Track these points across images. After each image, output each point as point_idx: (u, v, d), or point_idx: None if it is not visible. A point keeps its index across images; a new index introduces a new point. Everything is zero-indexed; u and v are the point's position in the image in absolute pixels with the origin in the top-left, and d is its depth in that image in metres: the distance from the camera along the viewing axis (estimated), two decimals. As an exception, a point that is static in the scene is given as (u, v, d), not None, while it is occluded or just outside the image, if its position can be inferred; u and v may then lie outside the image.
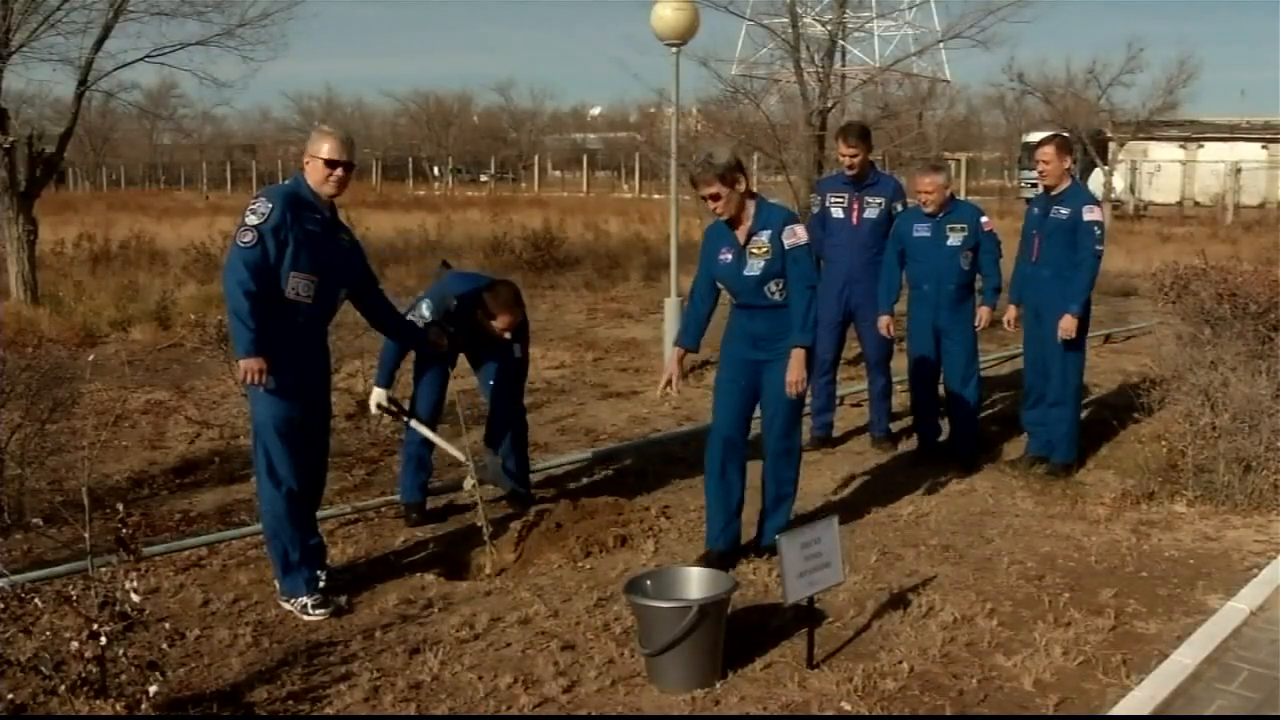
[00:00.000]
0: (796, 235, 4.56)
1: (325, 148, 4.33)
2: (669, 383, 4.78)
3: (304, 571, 4.38)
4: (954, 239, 6.28)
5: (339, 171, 4.35)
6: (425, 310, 5.35)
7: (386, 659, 3.96)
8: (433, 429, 5.39)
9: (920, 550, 5.07)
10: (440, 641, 4.08)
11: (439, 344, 5.03)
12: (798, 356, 4.59)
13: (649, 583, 3.92)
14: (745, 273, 4.65)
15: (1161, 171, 34.74)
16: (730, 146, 4.60)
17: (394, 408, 5.38)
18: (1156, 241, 21.54)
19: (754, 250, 4.62)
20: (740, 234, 4.66)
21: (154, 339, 10.78)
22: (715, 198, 4.56)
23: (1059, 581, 4.71)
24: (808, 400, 4.95)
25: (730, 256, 4.69)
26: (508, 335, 5.37)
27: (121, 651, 3.35)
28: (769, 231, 4.59)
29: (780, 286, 4.65)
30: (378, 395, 5.35)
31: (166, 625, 3.98)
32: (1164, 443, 5.86)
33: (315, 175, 4.34)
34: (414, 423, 5.34)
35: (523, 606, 4.40)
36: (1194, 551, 5.07)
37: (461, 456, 5.25)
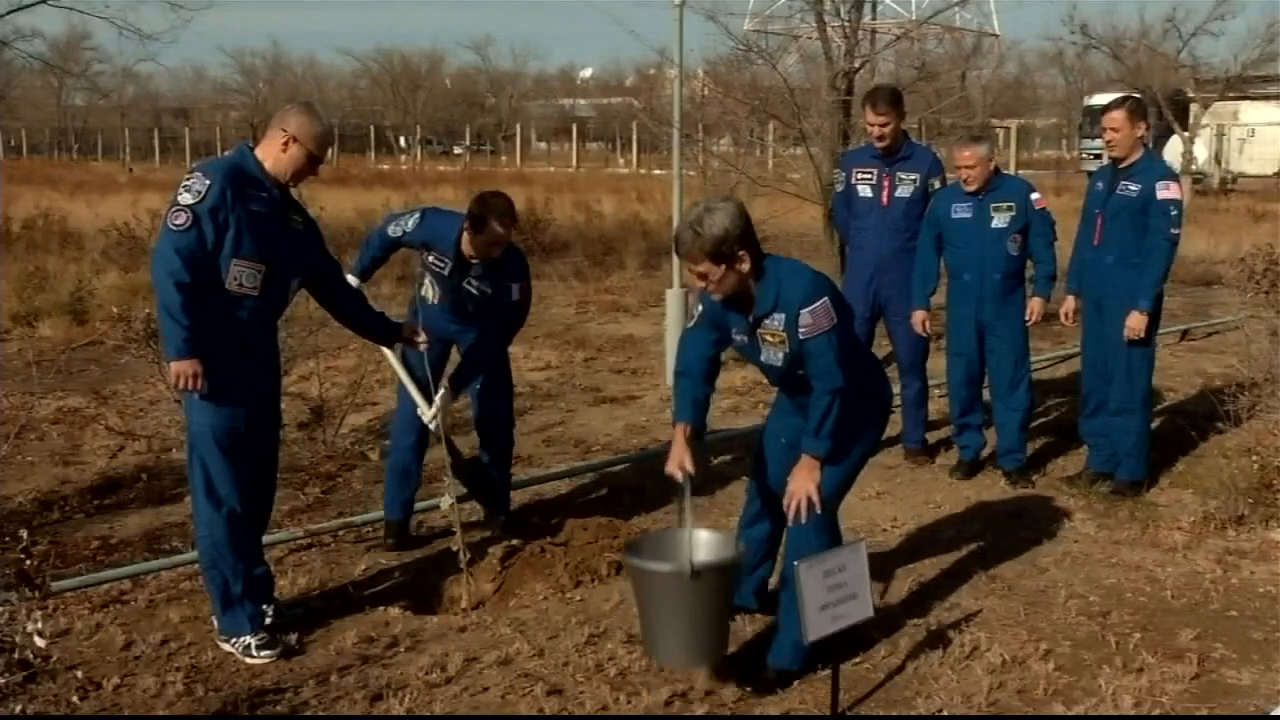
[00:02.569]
0: (815, 321, 3.90)
1: (318, 137, 4.38)
2: (680, 466, 4.04)
3: (247, 606, 4.39)
4: (1000, 220, 6.31)
5: (316, 168, 4.44)
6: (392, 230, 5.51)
7: (344, 707, 3.98)
8: (430, 403, 5.42)
9: (962, 580, 5.09)
10: (406, 686, 4.09)
11: (413, 341, 5.05)
12: (805, 466, 4.06)
13: (646, 545, 4.08)
14: (764, 361, 4.14)
15: (1255, 137, 34.14)
16: (734, 210, 3.88)
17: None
18: (1247, 220, 21.54)
19: (767, 338, 4.06)
20: (749, 315, 4.07)
21: (67, 336, 10.77)
22: (704, 277, 3.96)
23: (1128, 619, 4.72)
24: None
25: (743, 338, 4.16)
26: (496, 251, 5.35)
27: (20, 708, 3.33)
28: (783, 316, 3.96)
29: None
30: (352, 281, 5.36)
31: (78, 674, 3.99)
32: (1255, 457, 5.86)
33: (286, 159, 4.36)
34: (384, 349, 5.46)
35: (502, 644, 4.42)
36: (1290, 586, 5.09)
37: (422, 403, 5.34)
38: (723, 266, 3.88)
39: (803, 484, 4.03)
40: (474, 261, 5.36)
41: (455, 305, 5.49)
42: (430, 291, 5.53)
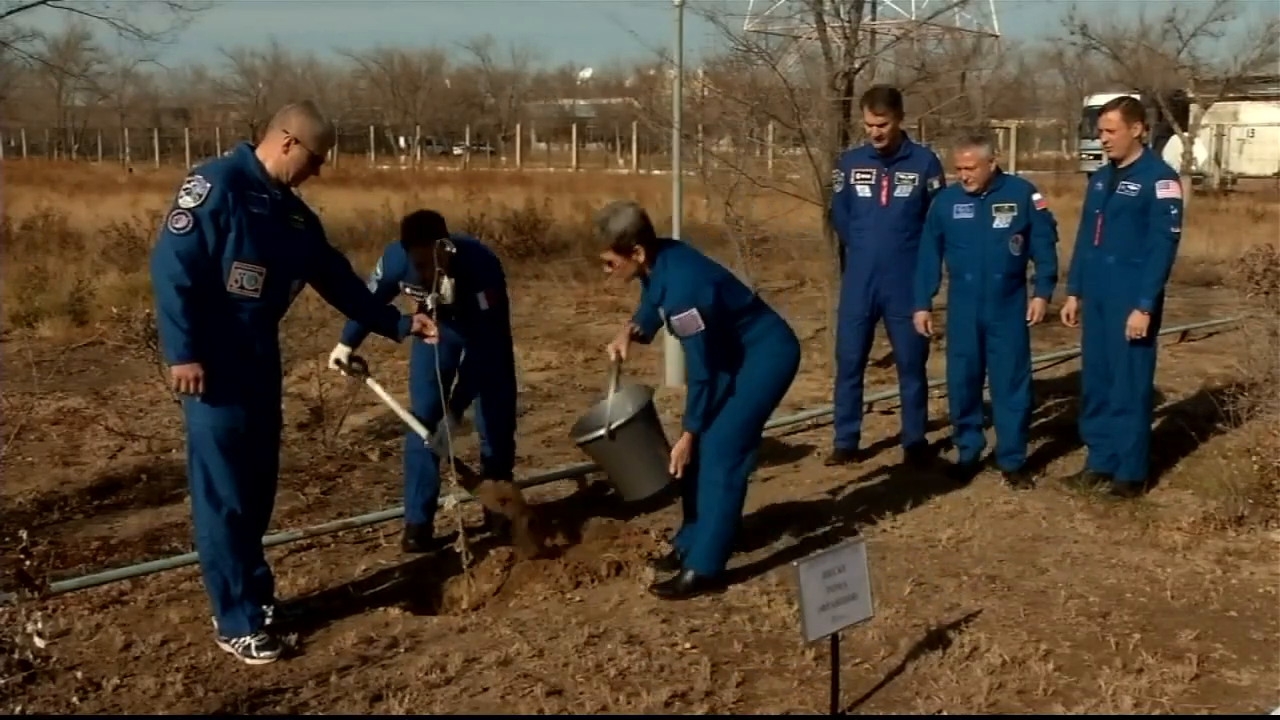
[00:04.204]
0: (683, 325, 4.79)
1: (319, 138, 4.39)
2: (615, 348, 5.01)
3: (247, 607, 4.40)
4: (1001, 220, 6.31)
5: (317, 169, 4.45)
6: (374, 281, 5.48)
7: (344, 707, 3.98)
8: (433, 430, 5.41)
9: (962, 581, 5.10)
10: (406, 686, 4.10)
11: (425, 333, 4.99)
12: (683, 438, 4.99)
13: (585, 421, 5.25)
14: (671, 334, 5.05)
15: (1255, 137, 34.06)
16: (633, 213, 4.81)
17: (356, 365, 5.47)
18: (1247, 221, 21.53)
19: (665, 318, 4.93)
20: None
21: (67, 336, 10.78)
22: (609, 264, 4.90)
23: (1128, 620, 4.73)
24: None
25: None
26: (430, 271, 5.24)
27: (20, 708, 3.34)
28: (664, 311, 4.87)
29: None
30: (338, 351, 5.44)
31: (78, 674, 4.00)
32: (1255, 458, 5.86)
33: (287, 159, 4.36)
34: (371, 382, 5.45)
35: (502, 645, 4.42)
36: (1290, 586, 5.09)
37: (422, 431, 5.34)
38: (622, 256, 4.80)
39: (682, 452, 4.99)
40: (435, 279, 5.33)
41: (447, 324, 5.49)
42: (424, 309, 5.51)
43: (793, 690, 4.10)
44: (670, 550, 5.35)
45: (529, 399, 8.45)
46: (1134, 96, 6.93)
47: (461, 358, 5.51)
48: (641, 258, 4.83)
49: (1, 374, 8.97)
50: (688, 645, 4.45)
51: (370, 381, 5.43)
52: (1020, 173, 25.82)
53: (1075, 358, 7.87)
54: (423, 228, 5.26)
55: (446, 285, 5.26)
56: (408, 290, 5.48)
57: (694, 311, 4.75)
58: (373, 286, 5.45)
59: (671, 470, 5.02)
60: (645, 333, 5.15)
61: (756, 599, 4.87)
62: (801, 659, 4.30)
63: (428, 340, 5.03)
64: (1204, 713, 3.97)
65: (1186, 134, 27.31)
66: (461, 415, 5.61)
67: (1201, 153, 28.95)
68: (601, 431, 4.95)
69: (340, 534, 5.71)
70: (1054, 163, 41.83)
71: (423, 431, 5.34)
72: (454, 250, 5.29)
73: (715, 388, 4.91)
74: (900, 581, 5.06)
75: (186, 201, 4.15)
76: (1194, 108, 28.48)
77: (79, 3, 33.86)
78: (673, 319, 4.81)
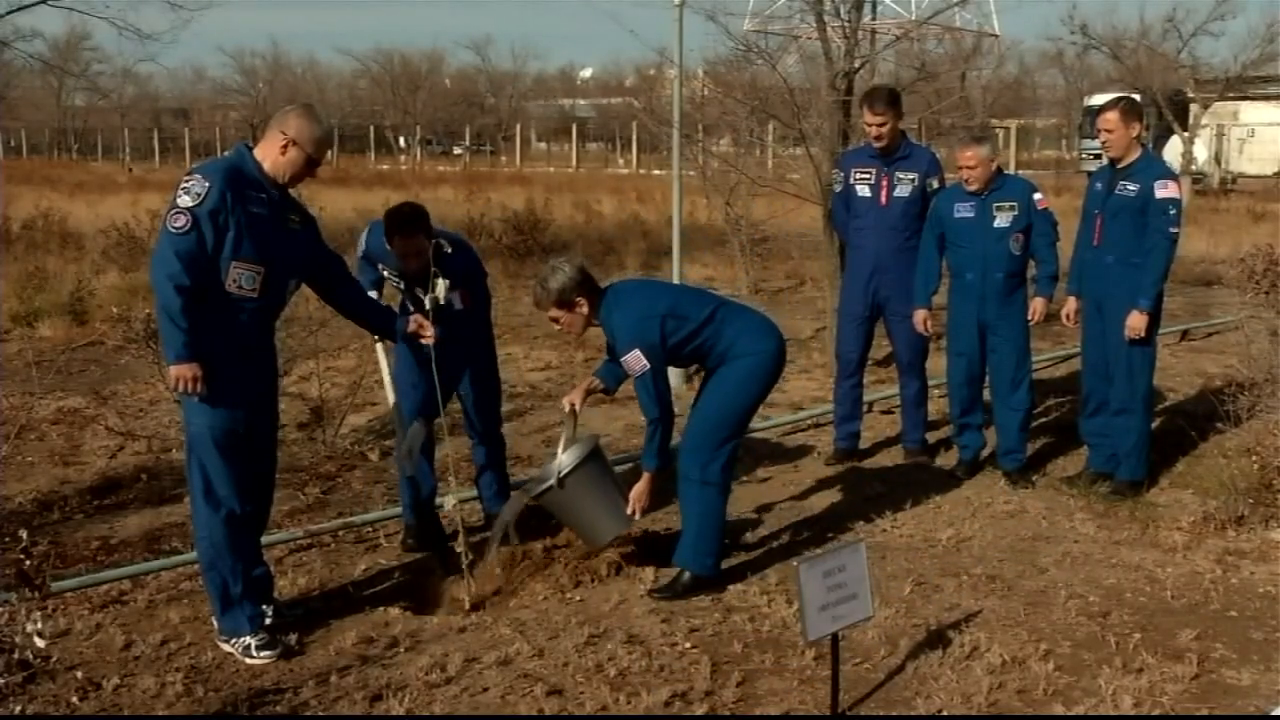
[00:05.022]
0: (629, 366, 4.84)
1: (317, 141, 4.39)
2: (570, 401, 5.12)
3: (247, 607, 4.40)
4: (1002, 220, 6.31)
5: (314, 171, 4.45)
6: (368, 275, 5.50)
7: (343, 707, 3.98)
8: (429, 435, 5.47)
9: (962, 581, 5.10)
10: (406, 686, 4.10)
11: (421, 334, 4.99)
12: (644, 479, 5.04)
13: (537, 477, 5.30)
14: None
15: (1255, 137, 33.96)
16: (570, 269, 4.89)
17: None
18: (1247, 220, 21.52)
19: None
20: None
21: (67, 336, 10.78)
22: (556, 320, 4.98)
23: (1128, 620, 4.72)
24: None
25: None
26: (415, 263, 5.27)
27: (20, 708, 3.33)
28: (616, 352, 4.93)
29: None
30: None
31: (78, 674, 3.99)
32: (1255, 457, 5.85)
33: (284, 161, 4.35)
34: (380, 348, 5.56)
35: (502, 645, 4.43)
36: (1289, 586, 5.08)
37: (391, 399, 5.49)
38: (566, 311, 4.89)
39: (641, 493, 5.04)
40: (415, 273, 5.34)
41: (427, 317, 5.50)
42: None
43: (793, 690, 4.10)
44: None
45: (529, 399, 8.46)
46: (1133, 96, 6.93)
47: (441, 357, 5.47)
48: (585, 309, 4.91)
49: (1, 374, 8.97)
50: (688, 645, 4.45)
51: (380, 347, 5.46)
52: (1020, 172, 25.82)
53: (1075, 357, 7.87)
54: (405, 220, 5.25)
55: (441, 286, 5.26)
56: (385, 273, 5.48)
57: (637, 351, 4.79)
58: (359, 258, 5.52)
59: (630, 511, 5.06)
60: (608, 386, 5.22)
61: (756, 599, 4.87)
62: (802, 659, 4.30)
63: (424, 341, 5.04)
64: (1204, 712, 3.97)
65: (1186, 134, 27.31)
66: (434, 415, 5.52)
67: (1201, 152, 28.95)
68: (551, 482, 5.03)
69: (340, 534, 5.71)
70: (1054, 162, 41.85)
71: (391, 400, 5.50)
72: (450, 251, 5.30)
73: (668, 425, 4.94)
74: (900, 581, 5.06)
75: (185, 201, 4.15)
76: (1194, 107, 28.47)
77: (79, 2, 33.91)
78: (620, 361, 4.87)
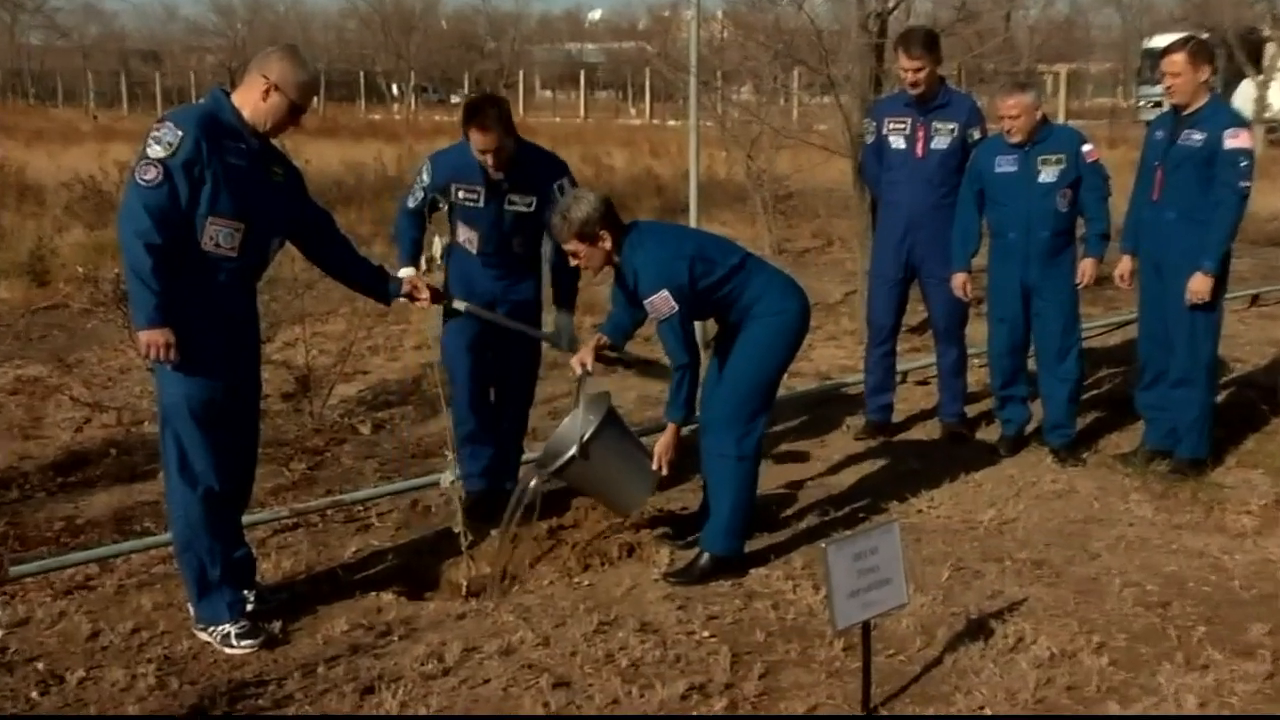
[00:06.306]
0: (656, 310, 4.83)
1: (302, 85, 4.33)
2: (581, 362, 5.10)
3: (226, 592, 4.40)
4: (1047, 174, 6.26)
5: (298, 119, 4.41)
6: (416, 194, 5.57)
7: (332, 701, 3.99)
8: (554, 340, 5.67)
9: (1005, 566, 5.09)
10: (400, 678, 4.10)
11: (416, 295, 5.01)
12: (667, 432, 5.05)
13: (551, 447, 5.22)
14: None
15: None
16: (595, 199, 4.88)
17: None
18: (1326, 174, 21.39)
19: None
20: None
21: (26, 298, 10.78)
22: (575, 254, 4.97)
23: (1190, 611, 4.70)
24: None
25: None
26: (488, 160, 5.29)
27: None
28: (639, 296, 4.91)
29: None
30: (406, 274, 5.36)
31: (39, 666, 4.02)
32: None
33: (266, 108, 4.30)
34: (459, 303, 5.41)
35: (505, 633, 4.43)
36: (1375, 576, 5.05)
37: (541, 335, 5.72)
38: (587, 245, 4.86)
39: (667, 445, 5.04)
40: (500, 177, 5.36)
41: (500, 245, 5.51)
42: (470, 240, 5.53)
43: (820, 683, 4.10)
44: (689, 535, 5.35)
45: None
46: (1201, 36, 6.85)
47: (513, 299, 5.65)
48: (608, 244, 4.88)
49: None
50: (706, 634, 4.45)
51: (459, 303, 5.41)
52: (1071, 122, 25.68)
53: (1130, 324, 7.84)
54: (488, 108, 5.28)
55: (438, 244, 5.24)
56: (462, 197, 5.46)
57: (665, 293, 4.78)
58: (413, 201, 5.53)
59: (656, 468, 5.07)
60: (615, 341, 5.23)
61: (780, 584, 4.87)
62: (829, 649, 4.30)
63: (418, 304, 5.05)
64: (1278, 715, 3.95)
65: (1261, 77, 26.89)
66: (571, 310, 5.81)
67: (1278, 98, 28.54)
68: (572, 452, 4.98)
69: (329, 513, 5.72)
70: (1108, 111, 41.48)
71: (543, 335, 5.69)
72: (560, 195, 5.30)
73: (696, 371, 4.96)
74: (938, 566, 5.05)
75: (156, 151, 4.11)
76: (1270, 47, 27.99)
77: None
78: (645, 302, 4.84)
